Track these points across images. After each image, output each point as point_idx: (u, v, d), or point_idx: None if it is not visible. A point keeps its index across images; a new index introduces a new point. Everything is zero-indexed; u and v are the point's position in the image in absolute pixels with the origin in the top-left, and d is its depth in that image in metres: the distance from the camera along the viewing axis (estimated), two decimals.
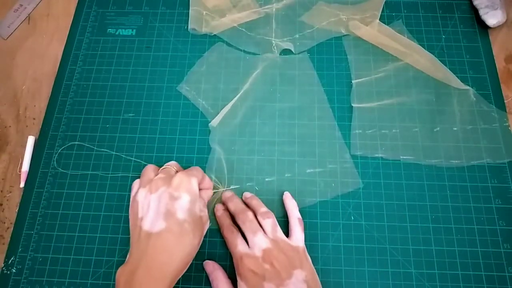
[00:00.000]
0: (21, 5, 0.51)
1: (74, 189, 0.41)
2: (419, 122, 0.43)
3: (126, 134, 0.43)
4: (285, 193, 0.39)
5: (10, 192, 0.42)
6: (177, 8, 0.50)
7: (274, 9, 0.49)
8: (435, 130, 0.42)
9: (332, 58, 0.46)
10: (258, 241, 0.34)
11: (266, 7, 0.49)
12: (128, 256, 0.32)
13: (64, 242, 0.39)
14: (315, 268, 0.36)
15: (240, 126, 0.43)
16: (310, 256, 0.36)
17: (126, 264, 0.31)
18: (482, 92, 0.44)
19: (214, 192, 0.39)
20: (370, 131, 0.42)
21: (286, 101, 0.44)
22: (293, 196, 0.39)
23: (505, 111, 0.43)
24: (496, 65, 0.45)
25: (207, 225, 0.34)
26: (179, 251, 0.31)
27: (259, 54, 0.47)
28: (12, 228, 0.40)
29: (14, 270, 0.38)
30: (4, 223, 0.40)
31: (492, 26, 0.46)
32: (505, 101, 0.43)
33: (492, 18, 0.46)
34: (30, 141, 0.43)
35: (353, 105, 0.43)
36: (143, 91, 0.46)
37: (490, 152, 0.41)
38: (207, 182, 0.37)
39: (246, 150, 0.42)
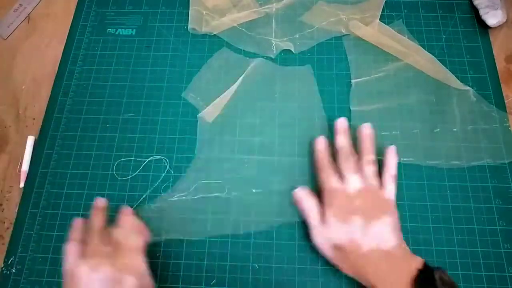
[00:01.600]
0: (21, 5, 0.51)
1: (74, 189, 0.41)
2: (419, 123, 0.43)
3: (126, 134, 0.43)
4: (390, 147, 0.39)
5: (10, 192, 0.42)
6: (177, 8, 0.50)
7: (274, 9, 0.49)
8: (435, 130, 0.42)
9: (332, 58, 0.46)
10: (354, 181, 0.35)
11: (266, 6, 0.49)
12: None
13: (64, 242, 0.39)
14: (316, 268, 0.36)
15: (240, 126, 0.43)
16: (310, 256, 0.36)
17: None
18: (482, 92, 0.44)
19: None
20: None
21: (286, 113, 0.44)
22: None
23: (505, 111, 0.43)
24: (496, 65, 0.45)
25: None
26: None
27: (259, 54, 0.47)
28: (12, 228, 0.40)
29: (14, 270, 0.38)
30: (4, 223, 0.40)
31: (492, 26, 0.46)
32: (505, 101, 0.43)
33: (493, 18, 0.46)
34: (30, 141, 0.43)
35: (352, 108, 0.43)
36: (143, 91, 0.45)
37: (490, 152, 0.41)
38: (145, 232, 0.35)
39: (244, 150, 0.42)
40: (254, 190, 0.40)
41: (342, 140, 0.38)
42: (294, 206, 0.38)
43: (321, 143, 0.39)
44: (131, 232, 0.33)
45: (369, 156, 0.37)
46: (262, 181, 0.40)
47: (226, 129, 0.43)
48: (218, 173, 0.41)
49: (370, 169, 0.36)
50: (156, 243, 0.38)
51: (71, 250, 0.32)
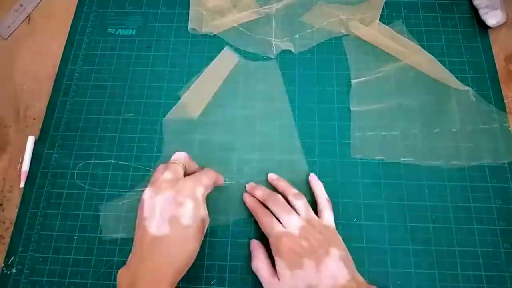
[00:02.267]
0: (21, 5, 0.51)
1: (74, 189, 0.41)
2: (419, 123, 0.43)
3: (126, 134, 0.43)
4: (311, 174, 0.40)
5: (10, 192, 0.42)
6: (177, 8, 0.50)
7: (274, 9, 0.49)
8: (435, 131, 0.42)
9: (332, 58, 0.46)
10: (293, 221, 0.35)
11: (266, 7, 0.49)
12: (130, 255, 0.32)
13: (64, 242, 0.39)
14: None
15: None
16: None
17: (128, 266, 0.31)
18: (482, 92, 0.44)
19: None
20: (370, 133, 0.42)
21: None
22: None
23: (505, 111, 0.43)
24: (496, 65, 0.45)
25: (207, 223, 0.34)
26: (181, 255, 0.31)
27: (259, 55, 0.47)
28: (12, 228, 0.40)
29: (14, 270, 0.38)
30: (4, 223, 0.40)
31: (492, 26, 0.46)
32: (505, 101, 0.43)
33: (492, 18, 0.46)
34: (30, 141, 0.43)
35: (351, 108, 0.43)
36: (143, 91, 0.45)
37: (490, 152, 0.41)
38: (220, 181, 0.38)
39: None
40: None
41: (260, 192, 0.39)
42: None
43: (247, 197, 0.39)
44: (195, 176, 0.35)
45: (291, 190, 0.38)
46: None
47: (187, 127, 0.43)
48: None
49: (300, 203, 0.36)
50: None
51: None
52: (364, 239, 0.38)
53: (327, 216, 0.36)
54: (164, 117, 0.44)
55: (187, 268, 0.32)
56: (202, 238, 0.34)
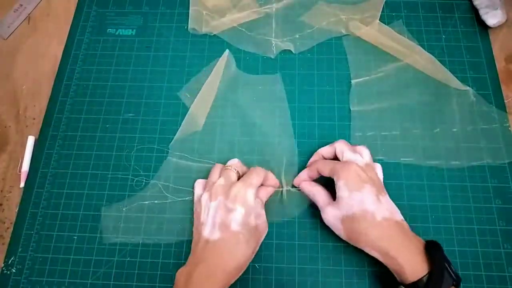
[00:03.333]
0: (21, 5, 0.51)
1: (74, 189, 0.41)
2: (419, 123, 0.43)
3: (126, 134, 0.43)
4: (301, 182, 0.39)
5: (10, 192, 0.42)
6: (177, 8, 0.50)
7: (274, 9, 0.49)
8: (435, 131, 0.42)
9: (332, 58, 0.46)
10: (359, 158, 0.36)
11: (266, 7, 0.49)
12: (189, 257, 0.34)
13: (64, 242, 0.39)
14: (316, 268, 0.37)
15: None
16: (310, 256, 0.37)
17: (186, 265, 0.33)
18: (482, 92, 0.44)
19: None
20: (370, 133, 0.42)
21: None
22: None
23: (505, 111, 0.43)
24: (496, 65, 0.45)
25: (265, 232, 0.35)
26: (233, 259, 0.32)
27: (259, 55, 0.47)
28: (12, 228, 0.40)
29: (14, 270, 0.38)
30: (4, 223, 0.40)
31: (492, 26, 0.46)
32: (505, 101, 0.43)
33: (492, 18, 0.46)
34: (30, 141, 0.43)
35: (351, 108, 0.43)
36: (143, 91, 0.45)
37: (490, 152, 0.41)
38: (271, 180, 0.38)
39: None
40: None
41: (324, 155, 0.39)
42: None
43: (298, 181, 0.39)
44: (246, 178, 0.36)
45: (356, 146, 0.38)
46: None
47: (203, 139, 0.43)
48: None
49: (364, 149, 0.37)
50: (155, 243, 0.38)
51: (197, 184, 0.38)
52: None
53: (379, 172, 0.37)
54: (164, 117, 0.44)
55: (240, 273, 0.33)
56: (258, 244, 0.35)
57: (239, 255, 0.32)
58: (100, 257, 0.38)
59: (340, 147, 0.37)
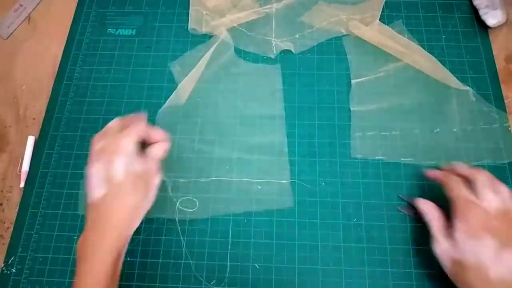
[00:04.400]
0: (21, 5, 0.51)
1: (74, 189, 0.41)
2: (419, 123, 0.43)
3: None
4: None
5: (10, 192, 0.42)
6: (177, 8, 0.50)
7: (274, 9, 0.49)
8: (435, 131, 0.42)
9: (332, 58, 0.46)
10: (492, 198, 0.32)
11: (266, 7, 0.49)
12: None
13: (64, 242, 0.39)
14: (316, 268, 0.36)
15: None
16: (310, 256, 0.37)
17: (81, 235, 0.32)
18: (482, 92, 0.44)
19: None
20: (370, 133, 0.42)
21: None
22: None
23: (505, 111, 0.43)
24: (496, 65, 0.45)
25: (156, 178, 0.34)
26: (122, 211, 0.32)
27: (259, 55, 0.47)
28: (12, 228, 0.40)
29: (14, 270, 0.38)
30: (4, 223, 0.40)
31: (492, 26, 0.46)
32: (505, 101, 0.43)
33: (492, 18, 0.46)
34: (30, 141, 0.43)
35: (351, 108, 0.43)
36: (143, 91, 0.45)
37: (490, 152, 0.41)
38: (157, 135, 0.35)
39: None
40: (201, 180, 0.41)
41: (463, 168, 0.36)
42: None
43: (447, 167, 0.37)
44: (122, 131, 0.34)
45: (501, 183, 0.34)
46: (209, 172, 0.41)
47: (187, 116, 0.44)
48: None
49: (506, 190, 0.33)
50: (157, 242, 0.38)
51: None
52: (364, 239, 0.38)
53: None
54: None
55: (135, 222, 0.33)
56: (150, 190, 0.33)
57: (127, 205, 0.32)
58: None
59: (482, 181, 0.33)
